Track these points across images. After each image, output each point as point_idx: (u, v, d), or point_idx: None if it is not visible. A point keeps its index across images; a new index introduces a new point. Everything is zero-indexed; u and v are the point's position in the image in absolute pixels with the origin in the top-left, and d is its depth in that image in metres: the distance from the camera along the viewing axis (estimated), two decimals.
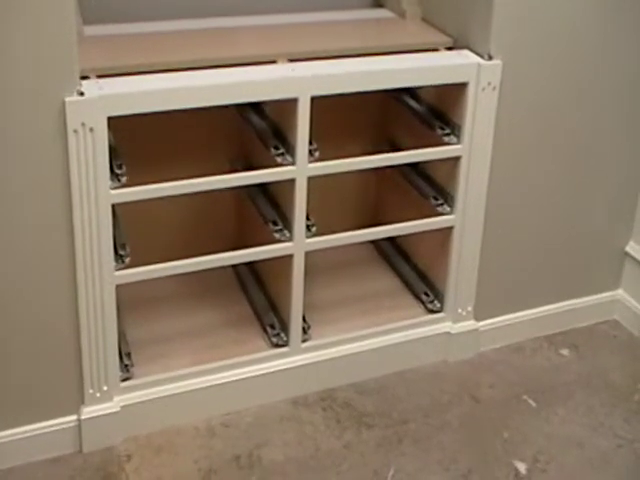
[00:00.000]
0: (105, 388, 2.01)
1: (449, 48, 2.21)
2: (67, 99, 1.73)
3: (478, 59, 2.11)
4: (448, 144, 2.18)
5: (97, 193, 1.83)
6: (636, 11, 2.23)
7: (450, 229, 2.27)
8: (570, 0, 2.13)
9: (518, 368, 2.41)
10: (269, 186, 2.20)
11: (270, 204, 2.19)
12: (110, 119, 1.80)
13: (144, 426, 2.08)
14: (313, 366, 2.23)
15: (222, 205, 2.40)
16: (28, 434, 1.97)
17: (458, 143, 2.17)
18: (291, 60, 2.04)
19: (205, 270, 2.05)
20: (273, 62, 2.02)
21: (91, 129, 1.77)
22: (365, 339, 2.28)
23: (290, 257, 2.11)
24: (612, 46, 2.24)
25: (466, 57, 2.13)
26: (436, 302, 2.38)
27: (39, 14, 1.65)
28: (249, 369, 2.17)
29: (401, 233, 2.31)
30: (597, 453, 2.14)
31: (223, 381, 2.14)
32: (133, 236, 2.02)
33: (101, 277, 1.90)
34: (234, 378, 2.15)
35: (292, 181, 2.03)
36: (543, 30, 2.14)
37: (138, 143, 2.15)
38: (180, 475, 1.99)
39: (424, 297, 2.40)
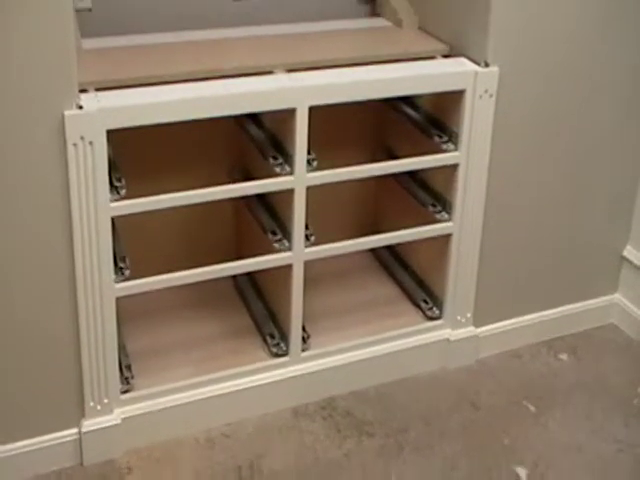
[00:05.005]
0: (106, 401, 2.00)
1: (446, 56, 2.21)
2: (66, 113, 1.73)
3: (475, 67, 2.11)
4: (446, 151, 2.18)
5: (96, 206, 1.82)
6: (634, 19, 2.24)
7: (448, 236, 2.27)
8: (567, 7, 2.14)
9: (517, 374, 2.41)
10: (268, 196, 2.19)
11: (269, 214, 2.19)
12: (109, 131, 1.80)
13: (145, 438, 2.08)
14: (313, 375, 2.23)
15: (221, 215, 2.40)
16: (29, 448, 1.96)
17: (456, 150, 2.17)
18: (289, 70, 2.03)
19: (204, 281, 2.05)
20: (270, 73, 2.02)
21: (90, 142, 1.76)
22: (365, 347, 2.29)
23: (289, 267, 2.10)
24: (610, 53, 2.25)
25: (463, 65, 2.13)
26: (435, 309, 2.38)
27: (38, 28, 1.65)
28: (249, 379, 2.16)
29: (399, 241, 2.31)
30: (597, 458, 2.14)
31: (223, 392, 2.14)
32: (132, 247, 2.02)
33: (101, 290, 1.90)
34: (234, 388, 2.15)
35: (291, 191, 2.03)
36: (540, 37, 2.14)
37: (136, 154, 2.14)
38: None
39: (423, 304, 2.41)
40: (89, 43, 2.07)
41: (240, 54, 2.12)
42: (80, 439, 2.00)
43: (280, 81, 1.98)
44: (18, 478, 1.97)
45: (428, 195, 2.31)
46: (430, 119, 2.27)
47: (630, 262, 2.56)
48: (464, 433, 2.20)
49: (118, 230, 1.98)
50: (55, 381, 1.95)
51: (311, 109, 1.96)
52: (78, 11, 2.08)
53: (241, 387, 2.15)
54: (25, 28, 1.64)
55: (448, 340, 2.38)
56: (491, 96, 2.13)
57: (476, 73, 2.09)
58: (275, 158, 2.04)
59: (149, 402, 2.07)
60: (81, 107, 1.74)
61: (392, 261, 2.58)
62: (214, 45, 2.15)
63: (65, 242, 1.83)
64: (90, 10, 2.16)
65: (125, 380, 2.06)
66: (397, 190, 2.42)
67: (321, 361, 2.24)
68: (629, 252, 2.56)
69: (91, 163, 1.78)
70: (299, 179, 2.02)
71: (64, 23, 1.67)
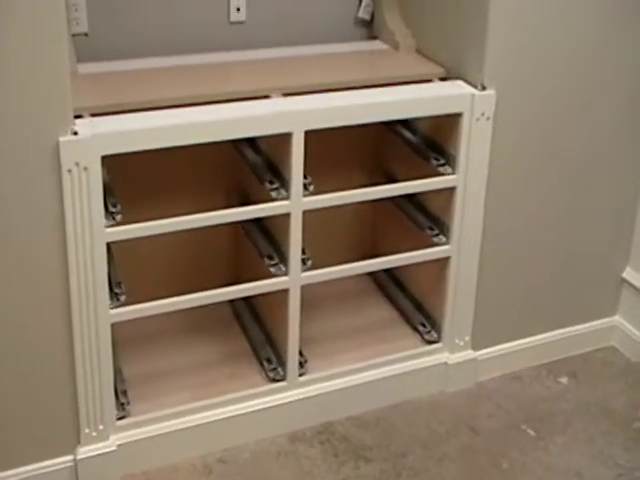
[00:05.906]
0: (101, 427, 1.99)
1: (443, 79, 2.21)
2: (61, 139, 1.72)
3: (472, 89, 2.11)
4: (443, 175, 2.18)
5: (92, 232, 1.82)
6: (631, 39, 2.24)
7: (446, 259, 2.26)
8: (563, 30, 2.14)
9: (516, 397, 2.40)
10: (264, 220, 2.19)
11: (265, 238, 2.18)
12: (104, 157, 1.79)
13: (141, 464, 2.06)
14: (310, 400, 2.22)
15: (218, 240, 2.39)
16: (25, 475, 1.95)
17: (453, 173, 2.17)
18: (285, 94, 2.03)
19: (201, 305, 2.04)
20: (267, 97, 2.02)
21: (85, 168, 1.76)
22: (362, 372, 2.27)
23: (286, 291, 2.10)
24: (606, 75, 2.25)
25: (460, 88, 2.13)
26: (433, 332, 2.37)
27: (33, 54, 1.65)
28: (246, 405, 2.15)
29: (397, 265, 2.30)
30: None
31: (220, 417, 2.12)
32: (128, 272, 2.01)
33: (96, 316, 1.89)
34: (231, 414, 2.13)
35: (287, 215, 2.03)
36: (537, 60, 2.14)
37: (132, 179, 2.14)
38: None
39: (421, 328, 2.39)
40: (85, 68, 2.07)
41: (236, 78, 2.13)
42: (76, 466, 1.99)
43: (276, 105, 1.98)
44: None
45: (426, 218, 2.31)
46: (428, 142, 2.27)
47: (630, 284, 2.55)
48: (463, 457, 2.18)
49: (114, 255, 1.97)
50: (50, 408, 1.93)
51: (308, 132, 1.95)
52: (74, 36, 2.09)
53: (238, 412, 2.14)
54: (19, 54, 1.64)
55: (446, 364, 2.36)
56: (488, 119, 2.12)
57: (473, 96, 2.09)
58: (271, 182, 2.04)
59: (145, 428, 2.06)
60: (76, 133, 1.74)
61: (390, 284, 2.57)
62: (210, 69, 2.15)
63: (60, 268, 1.82)
64: (86, 35, 2.16)
65: (121, 406, 2.04)
66: (395, 213, 2.42)
67: (318, 386, 2.23)
68: (629, 274, 2.55)
69: (86, 189, 1.78)
70: (295, 204, 2.02)
71: (59, 49, 1.67)
